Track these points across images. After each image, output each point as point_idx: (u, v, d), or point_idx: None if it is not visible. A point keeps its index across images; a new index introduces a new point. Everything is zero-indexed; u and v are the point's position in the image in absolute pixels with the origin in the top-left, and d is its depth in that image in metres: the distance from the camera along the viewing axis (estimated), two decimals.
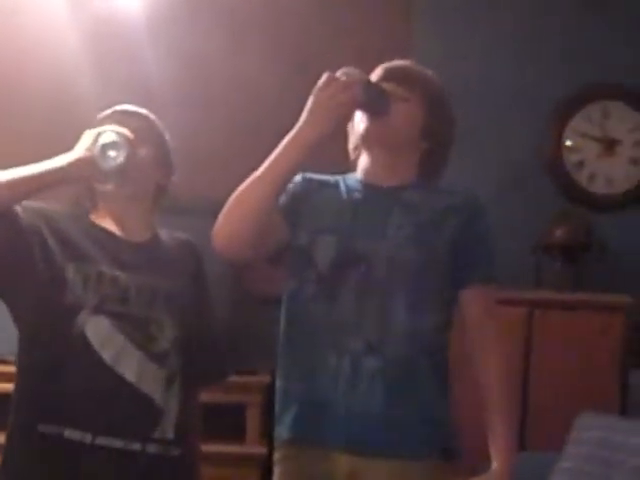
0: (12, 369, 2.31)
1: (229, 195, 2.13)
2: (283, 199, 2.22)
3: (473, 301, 2.20)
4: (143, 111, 2.41)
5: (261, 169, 2.12)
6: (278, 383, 2.21)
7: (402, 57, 2.34)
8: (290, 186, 2.24)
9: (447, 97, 2.32)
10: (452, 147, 2.33)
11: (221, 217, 2.12)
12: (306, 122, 2.11)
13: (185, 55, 4.02)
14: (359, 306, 2.12)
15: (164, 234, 2.42)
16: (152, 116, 2.42)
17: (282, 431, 2.18)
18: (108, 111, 2.38)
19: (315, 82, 2.12)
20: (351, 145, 2.34)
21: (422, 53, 4.09)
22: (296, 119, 2.13)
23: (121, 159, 2.19)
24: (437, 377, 2.16)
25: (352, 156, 2.34)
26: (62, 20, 3.98)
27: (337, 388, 2.10)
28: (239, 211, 2.10)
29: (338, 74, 2.13)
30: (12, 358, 2.36)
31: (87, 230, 2.31)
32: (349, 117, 2.19)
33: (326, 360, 2.12)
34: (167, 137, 2.43)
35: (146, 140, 2.33)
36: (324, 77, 2.12)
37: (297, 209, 2.22)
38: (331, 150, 2.32)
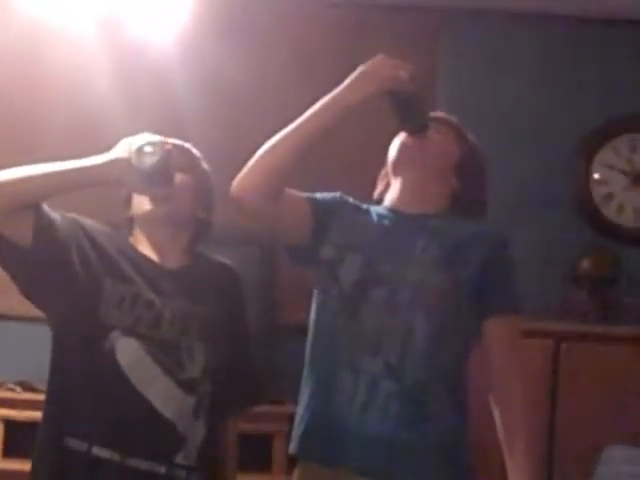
0: (41, 397, 2.32)
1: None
2: (318, 199, 2.25)
3: (496, 332, 2.19)
4: (185, 144, 2.39)
5: (292, 125, 2.15)
6: (299, 399, 2.22)
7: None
8: (327, 196, 2.28)
9: (481, 150, 2.35)
10: (485, 194, 2.35)
11: (245, 167, 2.15)
12: (347, 87, 2.16)
13: (214, 82, 4.05)
14: (380, 327, 2.12)
15: (204, 260, 2.39)
16: (195, 151, 2.40)
17: (292, 445, 2.19)
18: None
19: None
20: (377, 190, 2.37)
21: (447, 90, 4.16)
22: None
23: (157, 157, 2.16)
24: (453, 404, 2.15)
25: (376, 196, 2.36)
26: (93, 46, 4.02)
27: (351, 407, 2.10)
28: (263, 162, 2.14)
29: None
30: (41, 386, 2.37)
31: (124, 251, 2.29)
32: (389, 91, 2.17)
33: (342, 378, 2.12)
34: (210, 175, 2.41)
35: (184, 169, 2.32)
36: (378, 56, 2.17)
37: (329, 217, 2.24)
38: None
